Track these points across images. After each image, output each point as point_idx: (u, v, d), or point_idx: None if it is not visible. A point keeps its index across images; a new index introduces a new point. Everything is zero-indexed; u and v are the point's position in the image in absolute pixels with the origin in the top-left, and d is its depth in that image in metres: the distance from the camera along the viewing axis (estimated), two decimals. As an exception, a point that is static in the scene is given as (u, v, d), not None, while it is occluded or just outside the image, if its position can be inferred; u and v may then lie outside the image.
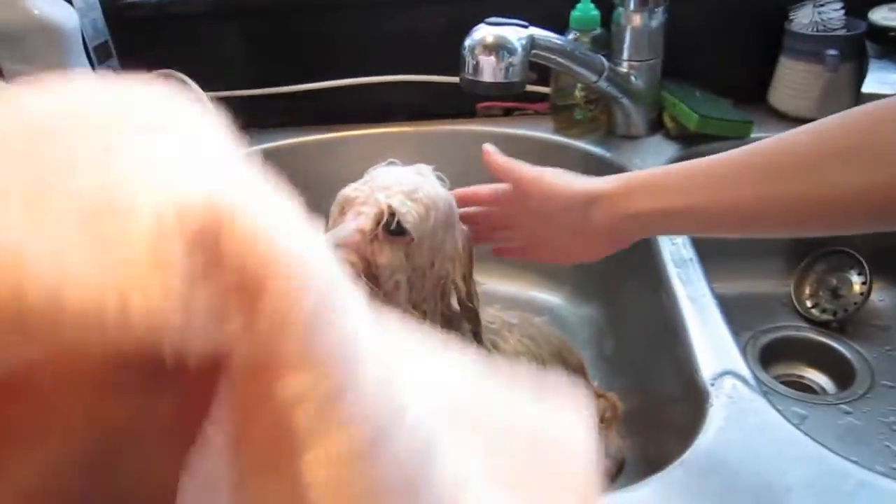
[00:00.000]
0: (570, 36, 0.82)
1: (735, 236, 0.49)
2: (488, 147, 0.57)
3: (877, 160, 0.39)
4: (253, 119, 0.96)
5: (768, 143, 0.44)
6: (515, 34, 0.64)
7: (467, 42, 0.64)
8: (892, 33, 0.76)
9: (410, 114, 0.95)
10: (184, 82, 0.94)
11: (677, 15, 0.82)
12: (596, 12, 0.82)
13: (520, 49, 0.63)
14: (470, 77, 0.63)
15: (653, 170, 0.50)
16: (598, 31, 0.82)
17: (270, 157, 0.91)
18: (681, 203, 0.46)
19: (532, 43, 0.65)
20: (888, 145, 0.39)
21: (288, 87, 0.95)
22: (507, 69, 0.63)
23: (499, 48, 0.62)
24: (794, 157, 0.42)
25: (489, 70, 0.62)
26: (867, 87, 0.74)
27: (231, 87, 0.95)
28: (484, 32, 0.63)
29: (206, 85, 0.93)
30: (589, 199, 0.51)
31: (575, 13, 0.81)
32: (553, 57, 0.69)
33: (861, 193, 0.40)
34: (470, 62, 0.63)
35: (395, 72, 0.93)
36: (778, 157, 0.43)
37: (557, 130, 0.88)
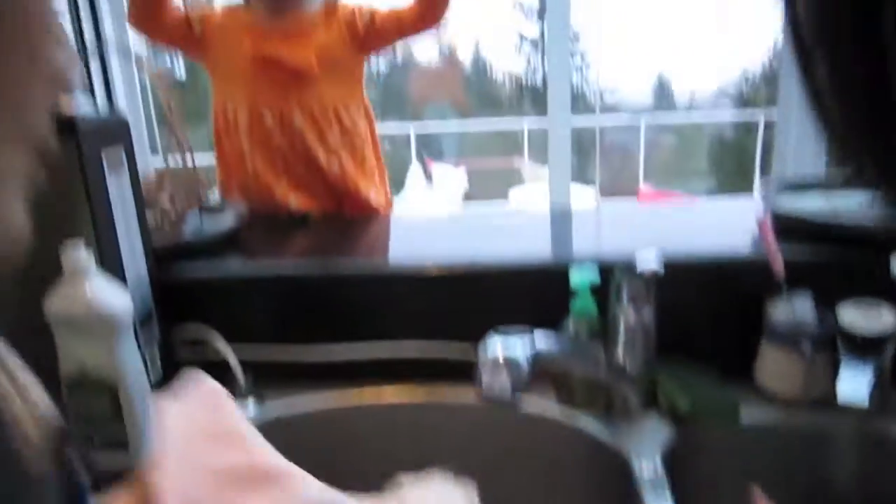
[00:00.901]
0: (570, 324, 0.91)
1: None
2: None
3: None
4: (275, 378, 1.04)
5: None
6: (522, 350, 0.73)
7: (480, 358, 0.72)
8: (860, 340, 0.85)
9: (424, 376, 1.03)
10: (214, 341, 1.03)
11: (667, 303, 0.92)
12: (594, 306, 0.91)
13: (525, 364, 0.72)
14: (485, 392, 0.71)
15: None
16: (596, 320, 0.92)
17: (290, 425, 0.97)
18: None
19: (536, 355, 0.74)
20: None
21: (309, 347, 1.03)
22: (514, 380, 0.72)
23: (508, 366, 0.71)
24: None
25: (500, 385, 0.71)
26: (843, 389, 0.81)
27: (259, 344, 1.04)
28: (494, 350, 0.72)
29: (235, 342, 1.02)
30: None
31: (574, 307, 0.91)
32: (555, 361, 0.78)
33: None
34: (484, 377, 0.71)
35: (410, 336, 1.02)
36: None
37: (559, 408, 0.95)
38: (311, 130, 1.39)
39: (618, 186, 7.52)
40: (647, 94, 12.12)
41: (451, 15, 1.42)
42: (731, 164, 8.97)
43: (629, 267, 0.85)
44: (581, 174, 6.87)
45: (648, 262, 0.84)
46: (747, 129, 9.08)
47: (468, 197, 6.74)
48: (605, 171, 7.70)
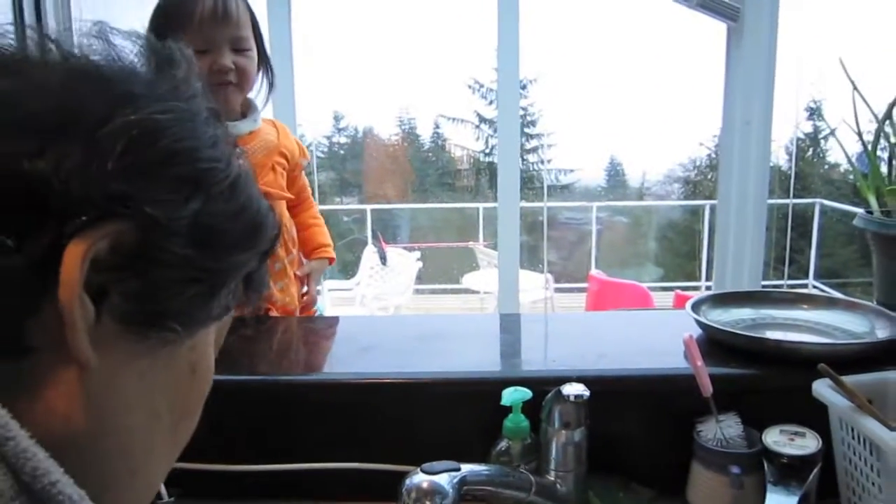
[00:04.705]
0: (503, 443, 0.90)
1: None
2: None
3: None
4: (200, 492, 0.99)
5: None
6: (448, 479, 0.71)
7: (404, 488, 0.70)
8: (784, 460, 0.86)
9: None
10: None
11: (600, 422, 0.91)
12: (526, 423, 0.90)
13: (451, 491, 0.70)
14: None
15: None
16: (529, 440, 0.91)
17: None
18: None
19: (463, 481, 0.72)
20: None
21: (248, 466, 0.97)
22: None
23: (433, 493, 0.69)
24: None
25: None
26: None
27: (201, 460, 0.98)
28: (419, 479, 0.71)
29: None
30: None
31: (507, 423, 0.90)
32: (484, 488, 0.77)
33: None
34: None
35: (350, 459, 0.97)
36: None
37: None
38: None
39: (569, 273, 7.59)
40: (600, 175, 12.53)
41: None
42: (681, 244, 9.26)
43: (559, 393, 0.85)
44: (533, 259, 6.95)
45: (577, 391, 0.84)
46: (694, 211, 9.42)
47: (422, 280, 6.69)
48: (557, 256, 7.82)
